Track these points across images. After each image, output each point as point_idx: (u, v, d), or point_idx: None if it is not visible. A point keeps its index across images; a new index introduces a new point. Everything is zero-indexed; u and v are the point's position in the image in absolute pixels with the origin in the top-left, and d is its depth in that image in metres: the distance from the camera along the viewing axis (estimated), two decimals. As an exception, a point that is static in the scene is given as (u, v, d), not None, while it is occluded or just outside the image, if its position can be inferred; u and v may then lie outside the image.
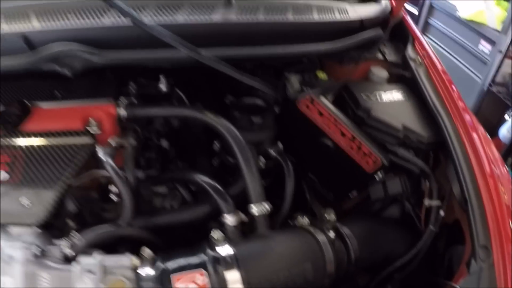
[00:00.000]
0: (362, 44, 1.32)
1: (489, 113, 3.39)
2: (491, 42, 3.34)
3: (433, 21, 3.92)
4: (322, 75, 1.34)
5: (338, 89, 1.26)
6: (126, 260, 0.85)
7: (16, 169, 0.95)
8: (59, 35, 1.00)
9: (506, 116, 3.14)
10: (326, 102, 1.20)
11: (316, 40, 1.23)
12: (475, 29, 3.46)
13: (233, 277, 0.85)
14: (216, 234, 0.92)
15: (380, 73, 1.35)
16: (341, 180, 1.31)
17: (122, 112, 1.09)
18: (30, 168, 0.96)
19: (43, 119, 1.05)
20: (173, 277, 0.82)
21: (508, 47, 3.21)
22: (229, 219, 1.01)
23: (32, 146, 0.99)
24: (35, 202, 0.91)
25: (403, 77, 1.38)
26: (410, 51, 1.40)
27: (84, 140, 1.02)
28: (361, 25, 1.33)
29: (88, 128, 1.04)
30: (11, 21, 1.01)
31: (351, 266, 1.03)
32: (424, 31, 3.96)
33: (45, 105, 1.07)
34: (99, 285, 0.79)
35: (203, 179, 1.11)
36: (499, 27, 3.32)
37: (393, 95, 1.26)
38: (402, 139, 1.15)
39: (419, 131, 1.17)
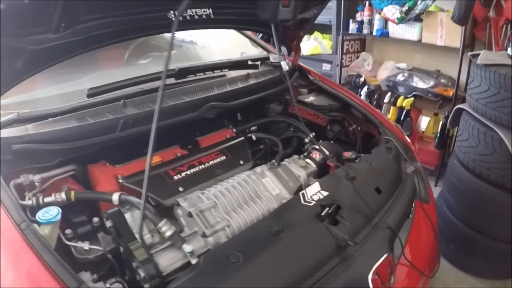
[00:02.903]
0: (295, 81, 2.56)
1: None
2: (329, 62, 4.82)
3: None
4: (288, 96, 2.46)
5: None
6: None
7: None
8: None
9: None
10: (301, 106, 2.41)
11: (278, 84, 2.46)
12: (316, 58, 4.94)
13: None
14: None
15: (304, 91, 2.64)
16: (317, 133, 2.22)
17: (235, 130, 2.13)
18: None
19: (206, 142, 1.99)
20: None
21: (341, 61, 4.72)
22: None
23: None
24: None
25: (312, 89, 2.68)
26: (310, 77, 2.69)
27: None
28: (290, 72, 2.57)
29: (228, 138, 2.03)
30: None
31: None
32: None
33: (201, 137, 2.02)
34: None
35: None
36: (330, 51, 4.84)
37: (312, 97, 2.56)
38: (329, 108, 2.44)
39: (334, 104, 2.47)
